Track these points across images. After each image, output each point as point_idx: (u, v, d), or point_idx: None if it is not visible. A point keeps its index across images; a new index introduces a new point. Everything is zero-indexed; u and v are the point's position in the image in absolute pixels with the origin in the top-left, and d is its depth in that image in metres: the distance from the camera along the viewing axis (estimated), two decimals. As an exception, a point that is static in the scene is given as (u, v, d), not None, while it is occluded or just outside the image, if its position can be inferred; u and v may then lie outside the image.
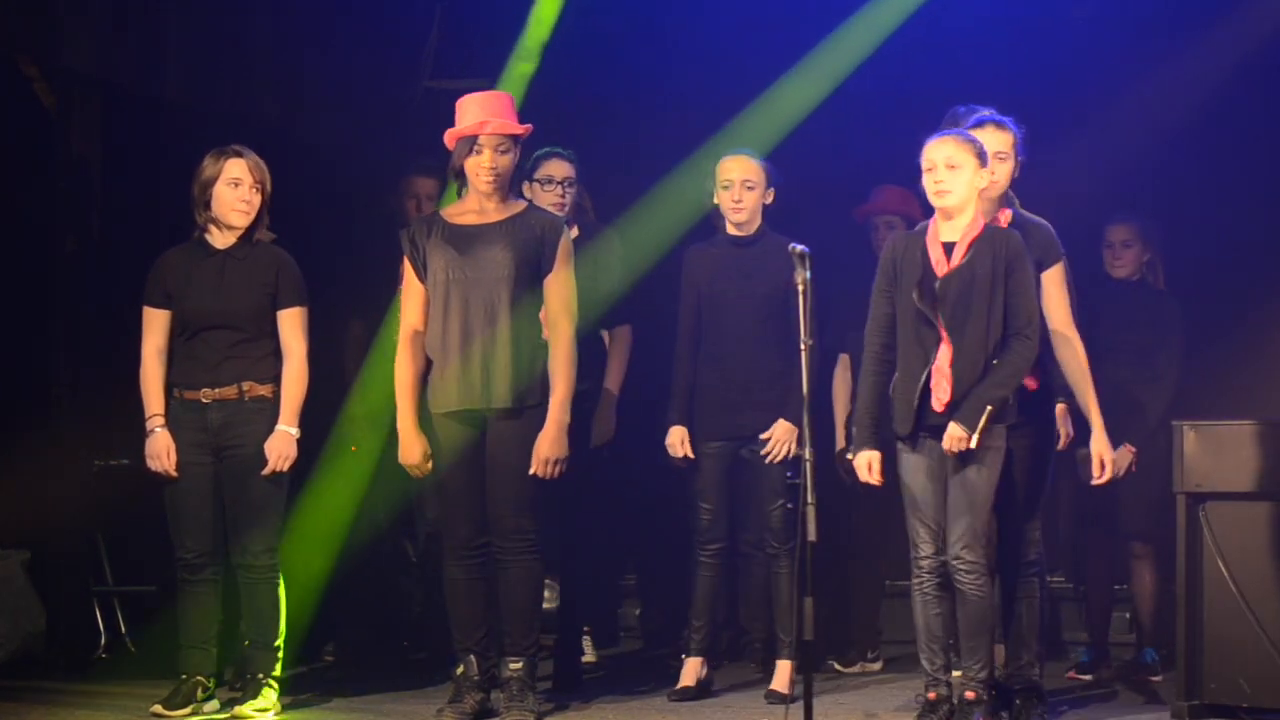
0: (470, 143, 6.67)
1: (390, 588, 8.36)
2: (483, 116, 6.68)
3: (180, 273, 6.90)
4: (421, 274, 6.74)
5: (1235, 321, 8.34)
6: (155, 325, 6.91)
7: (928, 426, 6.32)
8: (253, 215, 6.90)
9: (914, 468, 6.35)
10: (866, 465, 6.41)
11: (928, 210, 6.48)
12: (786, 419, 7.11)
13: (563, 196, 7.39)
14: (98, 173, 8.35)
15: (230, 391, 6.84)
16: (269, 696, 6.86)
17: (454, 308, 6.67)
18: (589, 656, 8.31)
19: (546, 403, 6.66)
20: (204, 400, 6.84)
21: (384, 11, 9.33)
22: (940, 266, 6.33)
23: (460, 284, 6.68)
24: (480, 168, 6.67)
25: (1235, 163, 8.51)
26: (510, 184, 6.78)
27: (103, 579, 8.25)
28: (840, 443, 7.92)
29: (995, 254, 6.32)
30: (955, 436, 6.24)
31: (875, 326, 6.44)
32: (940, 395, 6.27)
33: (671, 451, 7.30)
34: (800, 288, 6.15)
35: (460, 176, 6.74)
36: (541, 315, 6.73)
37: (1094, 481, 6.65)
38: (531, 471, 6.62)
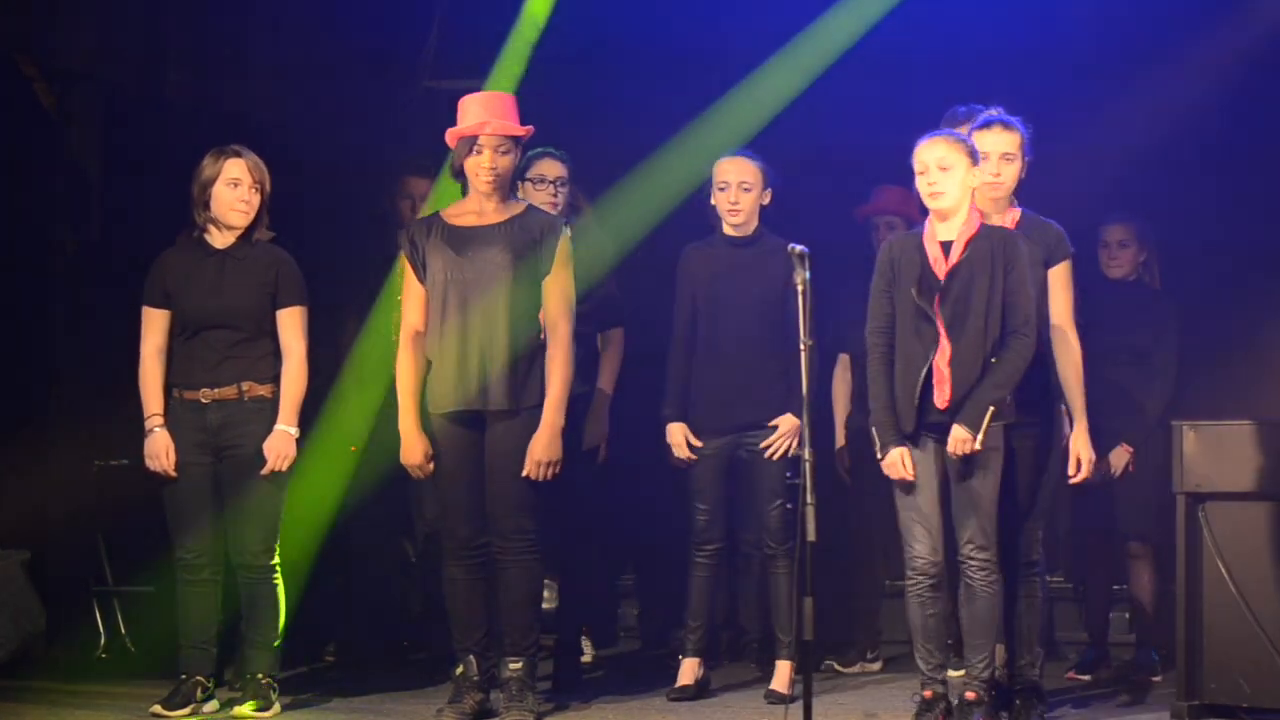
0: (471, 143, 6.68)
1: (390, 588, 8.37)
2: (484, 117, 6.68)
3: (180, 273, 6.90)
4: (421, 274, 6.75)
5: (1234, 321, 8.34)
6: (154, 325, 6.91)
7: (929, 425, 6.33)
8: (252, 215, 6.90)
9: (915, 466, 6.35)
10: (899, 461, 6.36)
11: (927, 211, 6.48)
12: (794, 414, 7.10)
13: (555, 196, 7.39)
14: (98, 173, 8.35)
15: (230, 391, 6.84)
16: (269, 696, 6.86)
17: (452, 308, 6.67)
18: (587, 656, 8.32)
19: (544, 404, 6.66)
20: (203, 400, 6.84)
21: (384, 11, 9.33)
22: (938, 265, 6.34)
23: (459, 285, 6.68)
24: (480, 168, 6.67)
25: (1234, 163, 8.51)
26: (511, 185, 6.80)
27: (103, 579, 8.25)
28: (840, 441, 7.93)
29: (993, 252, 6.32)
30: (960, 439, 6.25)
31: (877, 326, 6.45)
32: (942, 394, 6.28)
33: (676, 450, 7.30)
34: (800, 288, 6.14)
35: (460, 176, 6.75)
36: (541, 316, 6.73)
37: (1070, 480, 6.66)
38: (524, 473, 6.62)
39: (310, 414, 7.24)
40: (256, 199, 6.89)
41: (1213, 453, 6.53)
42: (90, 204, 8.32)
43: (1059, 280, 6.57)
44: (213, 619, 6.93)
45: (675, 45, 8.97)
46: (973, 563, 6.31)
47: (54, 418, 8.20)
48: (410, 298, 6.79)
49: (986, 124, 6.60)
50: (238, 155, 6.87)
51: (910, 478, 6.36)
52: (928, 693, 6.39)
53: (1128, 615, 8.13)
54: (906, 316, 6.36)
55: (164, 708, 6.80)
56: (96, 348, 8.16)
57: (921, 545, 6.35)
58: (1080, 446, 6.62)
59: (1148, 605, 7.84)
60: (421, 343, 6.75)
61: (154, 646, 7.82)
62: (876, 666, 8.08)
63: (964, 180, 6.34)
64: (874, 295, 6.45)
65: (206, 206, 6.88)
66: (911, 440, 6.35)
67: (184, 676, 6.88)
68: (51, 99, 8.25)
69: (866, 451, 6.74)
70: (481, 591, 6.75)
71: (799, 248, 6.18)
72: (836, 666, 7.98)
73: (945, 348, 6.27)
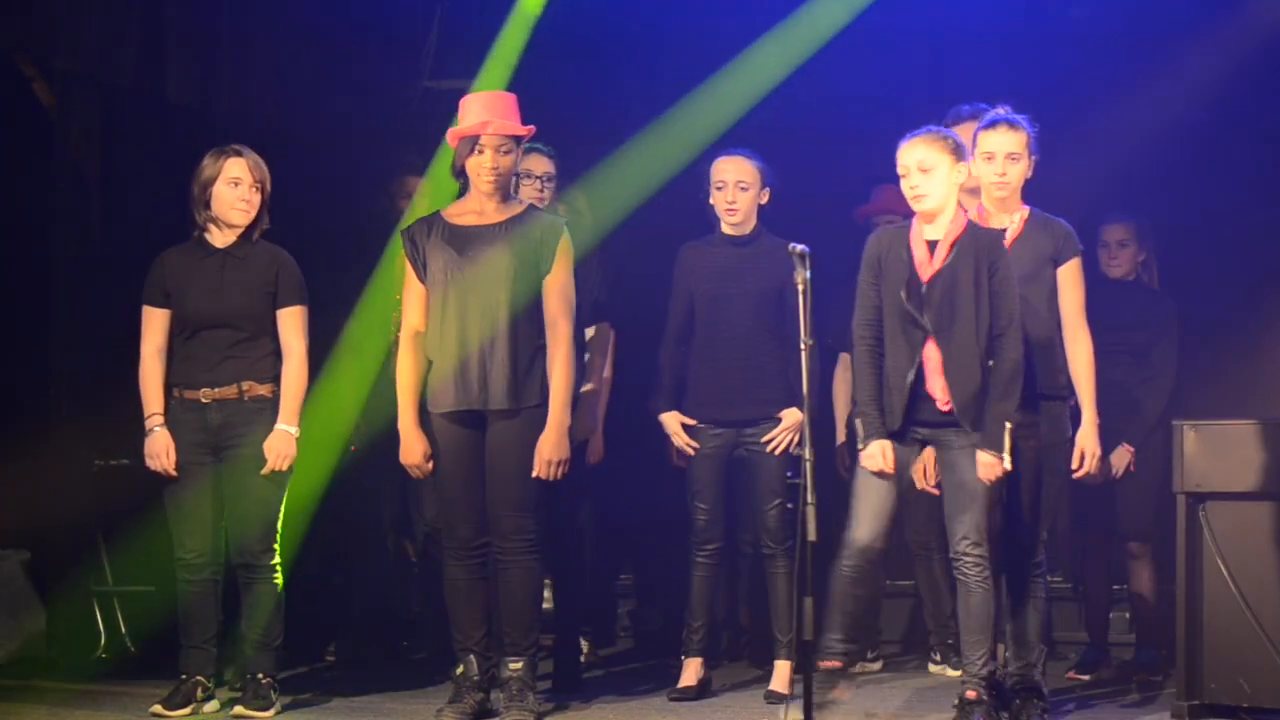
0: (472, 142, 6.68)
1: (390, 588, 8.37)
2: (485, 116, 6.68)
3: (180, 272, 6.90)
4: (422, 274, 6.75)
5: (1234, 321, 8.35)
6: (154, 325, 6.91)
7: (916, 422, 6.33)
8: (252, 214, 6.90)
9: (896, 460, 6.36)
10: (880, 454, 6.35)
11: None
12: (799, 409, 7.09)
13: (541, 191, 7.39)
14: (97, 173, 8.35)
15: (230, 391, 6.84)
16: (269, 696, 6.86)
17: (453, 308, 6.67)
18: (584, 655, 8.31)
19: (545, 403, 6.66)
20: (203, 400, 6.84)
21: (384, 11, 9.33)
22: (923, 268, 6.33)
23: (459, 284, 6.68)
24: (481, 168, 6.67)
25: (1234, 163, 8.51)
26: (512, 185, 6.80)
27: (103, 579, 8.25)
28: (841, 438, 7.93)
29: (978, 254, 6.31)
30: (988, 464, 6.26)
31: (864, 319, 6.42)
32: (940, 398, 6.28)
33: (675, 439, 7.31)
34: (800, 287, 6.15)
35: (462, 176, 6.75)
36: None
37: (1074, 474, 6.66)
38: (535, 474, 6.62)
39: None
40: (257, 198, 6.89)
41: (1213, 453, 6.53)
42: (90, 204, 8.32)
43: (1069, 278, 6.58)
44: (213, 619, 6.93)
45: (665, 31, 8.97)
46: (967, 559, 6.31)
47: (54, 418, 8.20)
48: (410, 297, 6.79)
49: (992, 123, 6.60)
50: (238, 154, 6.88)
51: (890, 470, 6.35)
52: (825, 663, 6.35)
53: (1128, 615, 8.13)
54: (893, 315, 6.36)
55: (164, 708, 6.80)
56: (96, 348, 8.16)
57: (865, 530, 6.34)
58: (1088, 442, 6.62)
59: (1148, 605, 7.84)
60: (422, 342, 6.75)
61: (154, 646, 7.82)
62: (876, 666, 8.08)
63: (948, 179, 6.33)
64: (861, 289, 6.44)
65: (207, 206, 6.89)
66: (899, 436, 6.35)
67: (184, 676, 6.88)
68: (51, 99, 8.25)
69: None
70: (482, 591, 6.75)
71: (800, 247, 6.18)
72: (837, 666, 7.98)
73: (934, 352, 6.27)
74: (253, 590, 6.88)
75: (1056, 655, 8.02)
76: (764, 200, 7.34)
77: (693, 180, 7.53)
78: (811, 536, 5.98)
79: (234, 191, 6.86)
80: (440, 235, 6.73)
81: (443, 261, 6.69)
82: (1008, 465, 6.26)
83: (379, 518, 8.23)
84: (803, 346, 6.15)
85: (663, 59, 8.93)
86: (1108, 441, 7.29)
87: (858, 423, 6.44)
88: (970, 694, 6.35)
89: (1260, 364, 8.06)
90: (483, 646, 6.73)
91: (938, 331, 6.28)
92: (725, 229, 7.36)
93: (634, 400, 7.63)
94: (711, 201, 7.34)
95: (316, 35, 9.18)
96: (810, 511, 6.00)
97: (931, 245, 6.35)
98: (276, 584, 6.89)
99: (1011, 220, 6.58)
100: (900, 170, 6.38)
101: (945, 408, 6.28)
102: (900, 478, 6.37)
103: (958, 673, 6.56)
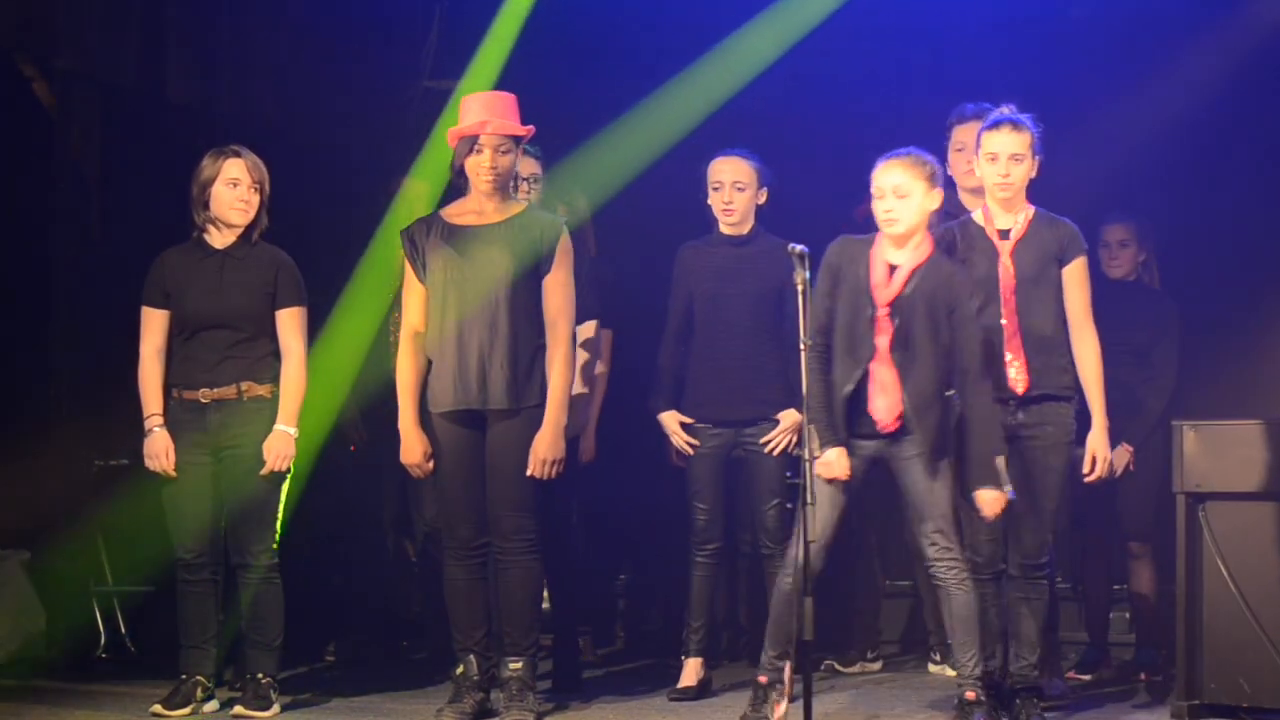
0: (471, 142, 6.68)
1: (390, 588, 8.37)
2: (484, 116, 6.68)
3: (179, 273, 6.90)
4: (421, 274, 6.75)
5: (1234, 321, 8.34)
6: (154, 325, 6.91)
7: (859, 434, 6.35)
8: (251, 215, 6.90)
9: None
10: (837, 460, 6.34)
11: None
12: (797, 410, 7.10)
13: (528, 193, 7.39)
14: (97, 173, 8.35)
15: (229, 391, 6.84)
16: (269, 696, 6.86)
17: (452, 308, 6.67)
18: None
19: (545, 403, 6.66)
20: (202, 400, 6.84)
21: (384, 11, 9.33)
22: (880, 290, 6.32)
23: (458, 284, 6.68)
24: (480, 168, 6.67)
25: (1234, 163, 8.51)
26: (511, 185, 6.80)
27: (103, 579, 8.25)
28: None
29: (937, 287, 6.32)
30: (990, 499, 6.28)
31: (816, 326, 6.40)
32: (882, 420, 6.28)
33: (674, 439, 7.31)
34: (799, 287, 6.15)
35: (461, 175, 6.75)
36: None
37: (1085, 478, 6.66)
38: (529, 472, 6.63)
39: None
40: (256, 199, 6.90)
41: (1213, 452, 6.53)
42: (90, 204, 8.32)
43: (1074, 278, 6.57)
44: (212, 619, 6.93)
45: (663, 30, 8.97)
46: (941, 564, 6.34)
47: (54, 418, 8.20)
48: (410, 297, 6.78)
49: (996, 124, 6.58)
50: (237, 155, 6.88)
51: (845, 478, 6.36)
52: (763, 678, 6.47)
53: (1128, 615, 8.13)
54: (843, 330, 6.37)
55: (164, 708, 6.80)
56: (96, 348, 8.16)
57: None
58: (1098, 445, 6.59)
59: (1148, 605, 7.84)
60: (422, 342, 6.75)
61: (154, 646, 7.82)
62: (876, 666, 8.08)
63: (921, 205, 6.35)
64: (816, 296, 6.42)
65: (206, 206, 6.89)
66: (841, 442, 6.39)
67: (184, 676, 6.88)
68: (51, 99, 8.26)
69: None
70: (482, 591, 6.75)
71: (799, 247, 6.18)
72: (837, 666, 7.98)
73: (885, 374, 6.25)
74: (253, 590, 6.88)
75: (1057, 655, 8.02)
76: (761, 200, 7.34)
77: (694, 182, 7.53)
78: (811, 536, 5.98)
79: (233, 192, 6.86)
80: (440, 235, 6.73)
81: (442, 261, 6.69)
82: (1011, 495, 6.29)
83: (379, 518, 8.23)
84: (801, 347, 6.15)
85: (661, 58, 8.93)
86: (1110, 441, 7.28)
87: (809, 430, 6.44)
88: (969, 695, 6.35)
89: (1260, 364, 8.06)
90: (483, 646, 6.73)
91: (897, 364, 6.27)
92: (723, 229, 7.36)
93: (633, 400, 7.63)
94: (709, 202, 7.35)
95: (316, 35, 9.18)
96: (810, 511, 6.00)
97: (892, 268, 6.35)
98: (276, 584, 6.88)
99: (1016, 220, 6.58)
100: (875, 191, 6.38)
101: (884, 429, 6.29)
102: (848, 490, 6.37)
103: (954, 672, 6.56)
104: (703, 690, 7.31)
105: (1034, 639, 6.58)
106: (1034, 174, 6.61)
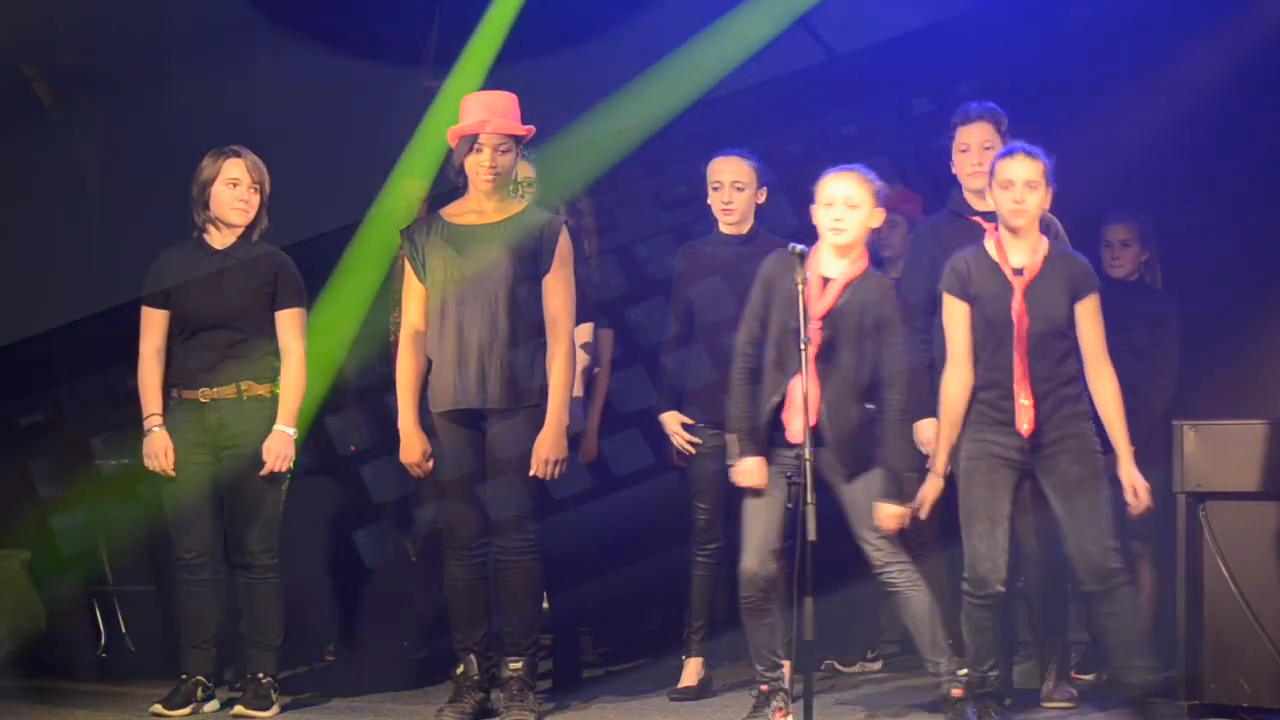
0: (471, 141, 6.68)
1: (390, 588, 8.36)
2: (484, 115, 6.68)
3: (179, 273, 6.90)
4: (421, 274, 6.74)
5: (1235, 321, 8.33)
6: (153, 325, 6.92)
7: (781, 445, 6.36)
8: (251, 215, 6.91)
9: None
10: (755, 470, 6.38)
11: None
12: None
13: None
14: (97, 172, 8.35)
15: (228, 391, 6.84)
16: (269, 696, 6.86)
17: (451, 307, 6.67)
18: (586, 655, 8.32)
19: (545, 403, 6.66)
20: (202, 400, 6.84)
21: (384, 11, 9.33)
22: (814, 303, 6.31)
23: (458, 284, 6.67)
24: (480, 167, 6.67)
25: (1234, 163, 8.50)
26: (511, 186, 6.80)
27: (103, 579, 8.25)
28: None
29: (866, 303, 6.33)
30: (893, 515, 6.33)
31: (747, 338, 6.44)
32: (790, 430, 6.29)
33: (675, 439, 7.31)
34: (799, 287, 6.15)
35: (461, 175, 6.75)
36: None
37: (1133, 512, 6.56)
38: (532, 472, 6.62)
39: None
40: (256, 199, 6.90)
41: (1213, 452, 6.52)
42: (90, 203, 8.32)
43: (1087, 314, 6.49)
44: (212, 619, 6.93)
45: (660, 30, 8.98)
46: (890, 569, 6.41)
47: (54, 418, 8.20)
48: (410, 297, 6.78)
49: (1010, 152, 6.52)
50: (237, 155, 6.88)
51: (763, 485, 6.38)
52: (764, 687, 6.50)
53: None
54: (773, 340, 6.38)
55: (164, 708, 6.80)
56: (96, 348, 8.16)
57: (751, 559, 6.43)
58: (1133, 476, 6.46)
59: (1148, 605, 7.83)
60: (422, 341, 6.75)
61: (154, 646, 7.81)
62: (876, 666, 8.07)
63: (865, 220, 6.35)
64: (751, 307, 6.45)
65: (206, 206, 6.89)
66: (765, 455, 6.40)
67: (184, 676, 6.88)
68: (51, 99, 8.25)
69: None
70: (482, 591, 6.75)
71: (799, 247, 6.18)
72: (837, 666, 7.98)
73: (812, 386, 6.23)
74: (253, 590, 6.88)
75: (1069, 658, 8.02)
76: (761, 200, 7.34)
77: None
78: (811, 536, 5.98)
79: (232, 192, 6.86)
80: (439, 235, 6.73)
81: (442, 261, 6.69)
82: (921, 512, 6.35)
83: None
84: (802, 347, 6.15)
85: (656, 56, 8.94)
86: (1108, 441, 7.27)
87: (729, 439, 6.43)
88: (955, 691, 6.37)
89: (1260, 364, 8.05)
90: (483, 646, 6.73)
91: (820, 369, 6.28)
92: (723, 229, 7.36)
93: (631, 400, 7.64)
94: (709, 201, 7.35)
95: (316, 34, 9.17)
96: (810, 511, 6.00)
97: (825, 281, 6.35)
98: (276, 584, 6.89)
99: (1031, 253, 6.49)
100: (825, 200, 6.36)
101: (793, 440, 6.29)
102: (780, 502, 6.37)
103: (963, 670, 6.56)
104: (703, 690, 7.31)
105: (1138, 644, 6.46)
106: (1047, 205, 6.55)
